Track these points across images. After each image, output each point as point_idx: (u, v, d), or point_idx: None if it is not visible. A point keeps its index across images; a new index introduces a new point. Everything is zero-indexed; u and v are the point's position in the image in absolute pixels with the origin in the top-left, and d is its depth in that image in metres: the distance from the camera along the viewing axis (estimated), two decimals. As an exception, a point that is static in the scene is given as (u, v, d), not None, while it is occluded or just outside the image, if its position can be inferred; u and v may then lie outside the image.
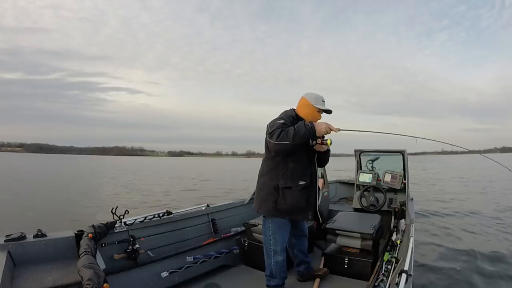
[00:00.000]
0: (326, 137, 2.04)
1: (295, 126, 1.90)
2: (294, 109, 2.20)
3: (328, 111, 2.18)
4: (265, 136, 2.06)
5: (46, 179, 18.14)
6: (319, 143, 2.04)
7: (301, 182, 2.04)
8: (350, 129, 2.10)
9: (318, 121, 2.08)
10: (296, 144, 1.87)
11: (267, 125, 2.04)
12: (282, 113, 2.17)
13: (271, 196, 2.04)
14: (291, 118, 2.06)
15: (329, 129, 1.97)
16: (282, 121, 1.98)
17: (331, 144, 2.04)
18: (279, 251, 2.13)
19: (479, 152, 3.68)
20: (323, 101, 2.16)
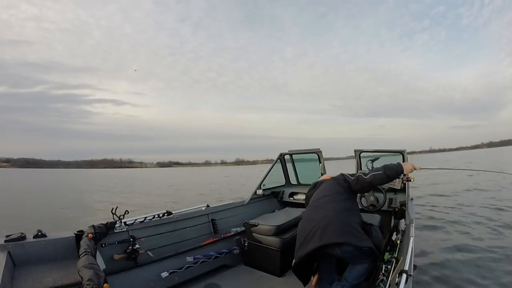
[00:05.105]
0: (410, 175, 2.52)
1: (386, 171, 2.20)
2: None
3: None
4: (346, 183, 2.34)
5: (36, 193, 17.85)
6: (404, 180, 2.47)
7: None
8: (430, 168, 2.56)
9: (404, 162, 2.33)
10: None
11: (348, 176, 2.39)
12: None
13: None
14: None
15: (413, 169, 2.28)
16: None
17: (413, 181, 2.62)
18: None
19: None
20: None
